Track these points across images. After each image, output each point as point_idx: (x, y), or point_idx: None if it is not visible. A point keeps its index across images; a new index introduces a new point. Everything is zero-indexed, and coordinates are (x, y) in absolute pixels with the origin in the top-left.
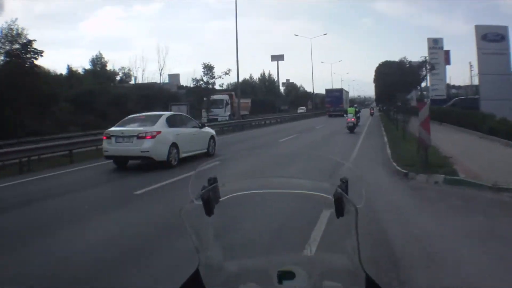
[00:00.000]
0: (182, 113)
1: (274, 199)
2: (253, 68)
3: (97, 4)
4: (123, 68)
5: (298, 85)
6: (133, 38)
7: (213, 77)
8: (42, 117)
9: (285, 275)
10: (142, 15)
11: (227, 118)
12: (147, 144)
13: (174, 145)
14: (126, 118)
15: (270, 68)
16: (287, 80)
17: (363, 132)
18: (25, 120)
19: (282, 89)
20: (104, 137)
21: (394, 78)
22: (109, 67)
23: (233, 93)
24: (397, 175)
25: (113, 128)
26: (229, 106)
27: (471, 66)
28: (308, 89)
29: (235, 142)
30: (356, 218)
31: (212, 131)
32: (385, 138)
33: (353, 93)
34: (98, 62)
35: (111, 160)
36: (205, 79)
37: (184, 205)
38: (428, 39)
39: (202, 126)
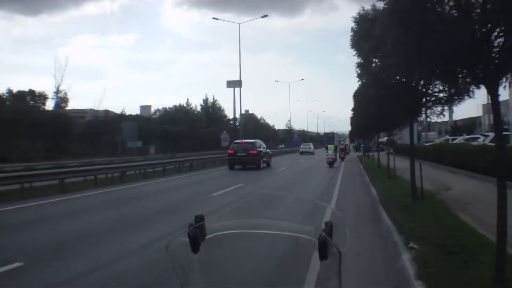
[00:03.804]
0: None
1: (259, 239)
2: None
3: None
4: (59, 91)
5: (258, 117)
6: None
7: None
8: None
9: None
10: (117, 45)
11: None
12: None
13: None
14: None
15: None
16: (246, 110)
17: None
18: None
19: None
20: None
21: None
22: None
23: None
24: None
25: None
26: None
27: None
28: (272, 122)
29: None
30: (339, 262)
31: None
32: None
33: (324, 129)
34: None
35: None
36: None
37: (170, 241)
38: None
39: None
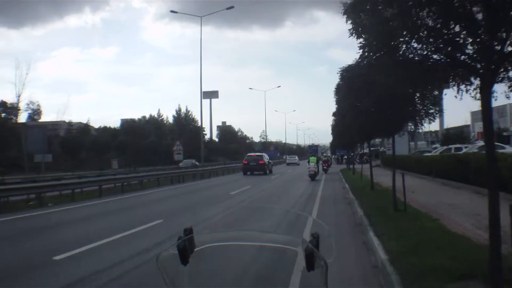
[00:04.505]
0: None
1: (247, 251)
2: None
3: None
4: (31, 102)
5: (236, 129)
6: (91, 81)
7: None
8: None
9: None
10: (99, 58)
11: None
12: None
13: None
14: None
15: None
16: (223, 122)
17: None
18: None
19: (215, 132)
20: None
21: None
22: None
23: None
24: None
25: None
26: None
27: None
28: (251, 134)
29: None
30: (326, 272)
31: None
32: None
33: (305, 141)
34: None
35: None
36: None
37: (160, 253)
38: None
39: None
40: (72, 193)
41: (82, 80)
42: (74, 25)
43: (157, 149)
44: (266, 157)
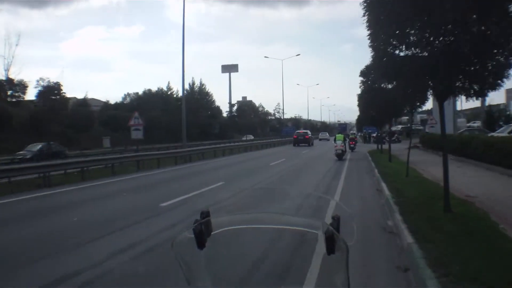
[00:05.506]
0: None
1: (266, 234)
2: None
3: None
4: (41, 79)
5: (257, 104)
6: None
7: None
8: None
9: None
10: (123, 37)
11: None
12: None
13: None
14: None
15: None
16: (244, 97)
17: None
18: None
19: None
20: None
21: None
22: None
23: None
24: None
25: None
26: None
27: None
28: (272, 110)
29: None
30: (347, 256)
31: None
32: None
33: (329, 118)
34: None
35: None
36: None
37: (176, 237)
38: None
39: None
40: None
41: (105, 58)
42: (98, 5)
43: (162, 125)
44: (309, 133)
